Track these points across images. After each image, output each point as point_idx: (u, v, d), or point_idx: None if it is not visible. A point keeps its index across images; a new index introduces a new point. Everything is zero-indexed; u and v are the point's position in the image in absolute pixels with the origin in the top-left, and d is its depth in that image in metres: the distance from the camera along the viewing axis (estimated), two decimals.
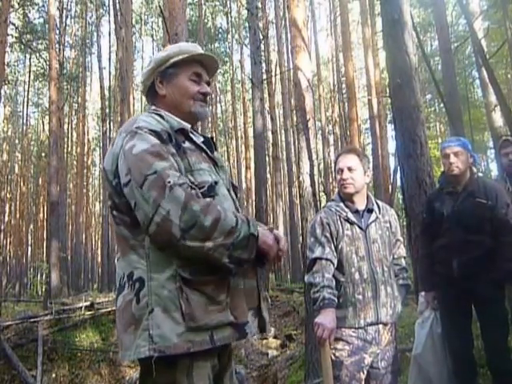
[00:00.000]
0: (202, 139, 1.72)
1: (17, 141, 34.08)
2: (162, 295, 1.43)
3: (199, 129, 1.69)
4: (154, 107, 1.72)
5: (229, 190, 1.69)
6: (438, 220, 3.19)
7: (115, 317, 1.62)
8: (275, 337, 8.31)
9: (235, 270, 1.51)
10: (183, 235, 1.37)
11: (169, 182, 1.39)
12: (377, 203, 2.71)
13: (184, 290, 1.43)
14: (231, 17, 27.99)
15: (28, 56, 28.80)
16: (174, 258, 1.44)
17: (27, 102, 31.63)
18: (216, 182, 1.59)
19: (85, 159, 31.43)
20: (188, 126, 1.69)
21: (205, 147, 1.67)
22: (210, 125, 26.57)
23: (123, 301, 1.50)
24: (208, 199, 1.45)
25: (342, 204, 2.64)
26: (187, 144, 1.61)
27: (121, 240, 1.57)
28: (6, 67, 18.63)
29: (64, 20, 23.75)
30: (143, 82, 1.78)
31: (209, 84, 1.79)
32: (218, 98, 29.61)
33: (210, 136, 1.80)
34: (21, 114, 33.63)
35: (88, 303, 9.74)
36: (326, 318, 2.39)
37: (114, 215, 1.57)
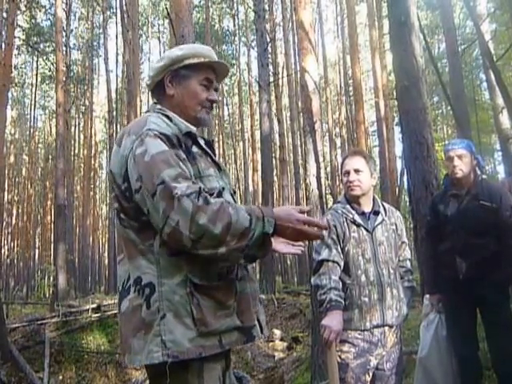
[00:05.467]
0: (203, 141, 1.70)
1: (24, 143, 33.74)
2: (173, 300, 1.43)
3: (205, 131, 1.67)
4: (159, 106, 1.68)
5: (232, 195, 1.67)
6: (442, 222, 3.17)
7: None
8: (281, 339, 8.28)
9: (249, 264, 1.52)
10: (194, 245, 1.36)
11: (176, 194, 1.35)
12: (383, 205, 2.71)
13: (195, 295, 1.43)
14: (238, 19, 27.98)
15: (35, 58, 28.73)
16: (184, 264, 1.44)
17: (34, 105, 31.57)
18: (223, 188, 1.58)
19: (92, 162, 31.34)
20: (194, 129, 1.68)
21: (209, 151, 1.66)
22: (216, 127, 26.63)
23: (130, 305, 1.49)
24: (219, 201, 1.39)
25: (348, 206, 2.63)
26: (195, 149, 1.59)
27: (128, 243, 1.54)
28: (13, 70, 18.61)
29: (71, 22, 23.76)
30: (152, 76, 1.72)
31: (217, 90, 1.77)
32: (224, 100, 29.61)
33: (210, 139, 1.78)
34: (28, 116, 33.52)
35: (95, 305, 9.72)
36: (333, 320, 2.39)
37: (122, 218, 1.55)
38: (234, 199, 1.67)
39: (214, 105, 1.77)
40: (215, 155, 1.70)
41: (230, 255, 1.40)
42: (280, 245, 1.54)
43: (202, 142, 1.66)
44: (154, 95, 1.76)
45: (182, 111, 1.67)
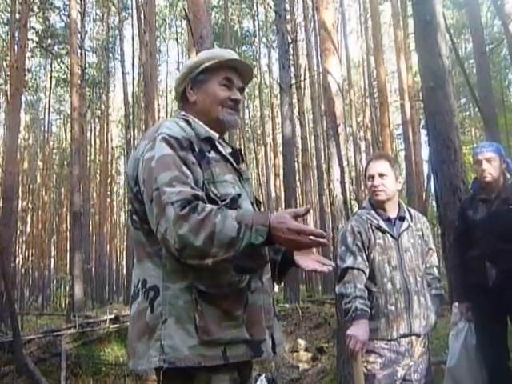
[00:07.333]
0: (229, 150, 1.67)
1: (38, 149, 32.88)
2: (176, 305, 1.42)
3: (226, 135, 1.65)
4: (183, 113, 1.69)
5: (252, 204, 1.64)
6: (471, 228, 3.13)
7: None
8: (306, 349, 8.11)
9: (246, 277, 1.49)
10: (180, 254, 1.34)
11: (163, 200, 1.36)
12: (408, 211, 2.66)
13: (199, 302, 1.41)
14: (258, 19, 27.75)
15: (49, 61, 28.51)
16: (190, 269, 1.42)
17: (49, 109, 31.10)
18: (239, 195, 1.55)
19: (108, 167, 31.07)
20: (216, 135, 1.66)
21: (231, 158, 1.63)
22: (238, 131, 26.60)
23: (137, 309, 1.50)
24: (208, 210, 1.35)
25: (373, 212, 2.59)
26: (212, 154, 1.57)
27: (137, 245, 1.56)
28: (26, 73, 18.53)
29: (86, 24, 23.32)
30: (175, 88, 1.76)
31: (243, 90, 1.74)
32: (245, 103, 29.51)
33: (238, 148, 1.76)
34: (42, 121, 32.88)
35: (113, 316, 9.59)
36: (359, 330, 2.34)
37: (134, 219, 1.56)
38: (254, 208, 1.64)
39: (239, 106, 1.73)
40: (239, 164, 1.67)
41: (217, 266, 1.37)
42: (305, 260, 1.47)
43: (225, 150, 1.64)
44: (179, 106, 1.78)
45: (205, 116, 1.67)
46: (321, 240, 1.34)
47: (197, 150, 1.52)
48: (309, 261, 1.45)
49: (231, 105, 1.68)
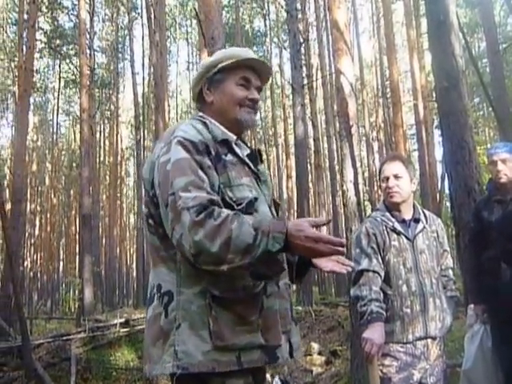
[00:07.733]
0: (247, 151, 1.66)
1: (47, 150, 32.76)
2: (189, 310, 1.41)
3: None
4: (200, 114, 1.67)
5: (270, 207, 1.62)
6: (486, 229, 3.09)
7: None
8: (319, 353, 8.02)
9: (262, 283, 1.47)
10: (196, 260, 1.34)
11: (179, 205, 1.35)
12: (423, 212, 2.64)
13: (213, 307, 1.41)
14: (269, 19, 27.51)
15: (58, 62, 28.31)
16: (205, 274, 1.41)
17: (57, 110, 30.28)
18: (256, 199, 1.53)
19: (118, 169, 30.80)
20: (233, 137, 1.63)
21: (248, 160, 1.61)
22: (249, 132, 26.54)
23: (152, 313, 1.49)
24: (224, 215, 1.34)
25: (387, 214, 2.57)
26: (229, 157, 1.55)
27: (153, 250, 1.56)
28: (34, 74, 18.31)
29: (95, 24, 23.13)
30: (192, 88, 1.74)
31: (260, 90, 1.72)
32: None
33: (257, 148, 1.74)
34: (51, 122, 32.57)
35: (123, 320, 9.56)
36: (375, 333, 2.33)
37: (149, 224, 1.55)
38: (271, 211, 1.63)
39: (257, 105, 1.71)
40: (257, 165, 1.65)
41: (232, 272, 1.36)
42: (324, 261, 1.46)
43: (243, 151, 1.62)
44: (197, 107, 1.76)
45: (222, 116, 1.64)
46: (339, 248, 1.33)
47: (213, 153, 1.50)
48: (328, 261, 1.45)
49: (249, 104, 1.65)
